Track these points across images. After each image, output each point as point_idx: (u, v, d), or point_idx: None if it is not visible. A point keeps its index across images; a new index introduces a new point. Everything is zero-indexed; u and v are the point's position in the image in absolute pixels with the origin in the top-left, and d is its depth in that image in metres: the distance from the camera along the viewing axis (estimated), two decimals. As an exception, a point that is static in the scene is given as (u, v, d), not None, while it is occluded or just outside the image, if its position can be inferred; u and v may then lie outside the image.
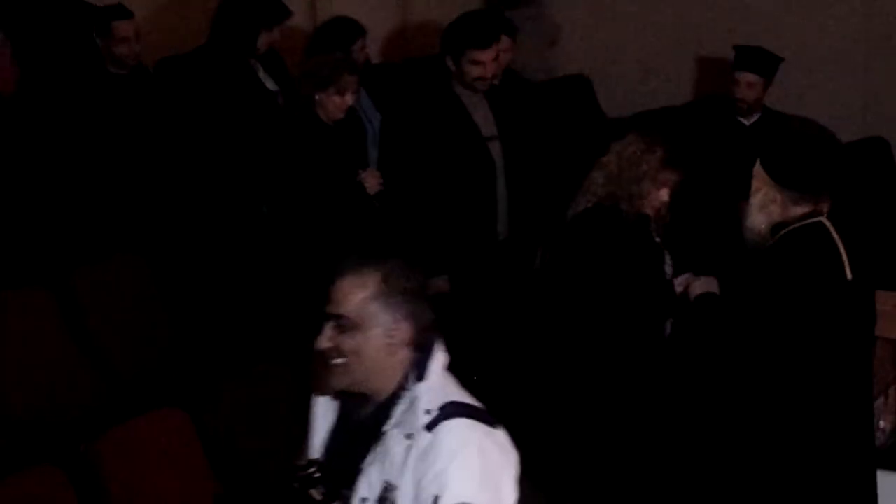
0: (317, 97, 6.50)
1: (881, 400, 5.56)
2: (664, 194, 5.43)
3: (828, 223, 4.74)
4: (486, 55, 6.35)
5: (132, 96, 7.24)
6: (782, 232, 4.74)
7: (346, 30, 7.25)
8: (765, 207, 4.76)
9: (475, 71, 6.37)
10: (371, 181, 6.59)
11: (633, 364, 5.38)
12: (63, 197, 7.14)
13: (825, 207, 4.80)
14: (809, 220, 4.73)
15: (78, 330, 6.44)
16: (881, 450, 5.32)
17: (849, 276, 4.73)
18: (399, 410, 3.63)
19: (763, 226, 4.76)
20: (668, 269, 5.54)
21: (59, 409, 5.97)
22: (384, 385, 3.67)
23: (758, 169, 4.80)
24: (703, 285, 5.06)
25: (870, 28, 8.41)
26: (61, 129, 7.27)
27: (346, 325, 3.64)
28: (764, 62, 7.27)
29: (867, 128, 8.29)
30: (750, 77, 7.24)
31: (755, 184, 4.80)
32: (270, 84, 7.26)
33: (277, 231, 6.67)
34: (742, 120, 7.34)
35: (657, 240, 5.53)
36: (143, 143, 7.16)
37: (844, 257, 4.73)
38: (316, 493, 3.74)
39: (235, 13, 7.17)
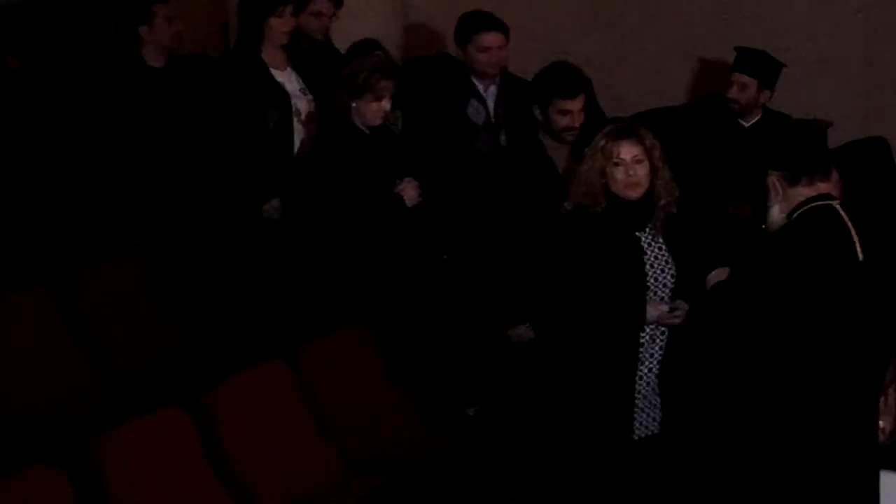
0: (353, 105, 6.42)
1: (881, 400, 5.54)
2: (619, 172, 5.38)
3: (837, 206, 4.81)
4: (573, 104, 6.27)
5: (167, 91, 7.24)
6: (794, 216, 4.80)
7: (364, 48, 7.23)
8: (774, 199, 4.87)
9: (563, 121, 6.27)
10: (410, 192, 6.52)
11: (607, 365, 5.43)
12: (64, 196, 7.15)
13: (833, 191, 4.90)
14: (818, 203, 4.79)
15: (78, 330, 6.44)
16: (881, 449, 5.30)
17: (860, 256, 4.77)
18: None
19: (778, 216, 4.88)
20: (668, 276, 5.50)
21: (59, 409, 5.98)
22: None
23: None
24: (718, 275, 5.10)
25: (870, 28, 8.40)
26: (72, 126, 7.31)
27: None
28: (761, 66, 7.29)
29: (867, 128, 8.28)
30: (744, 78, 7.28)
31: (768, 181, 4.90)
32: (293, 81, 7.17)
33: (306, 236, 6.60)
34: (741, 121, 7.36)
35: (653, 241, 5.49)
36: (147, 140, 7.16)
37: (855, 238, 4.77)
38: None
39: (242, 5, 7.16)
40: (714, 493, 5.09)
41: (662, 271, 5.48)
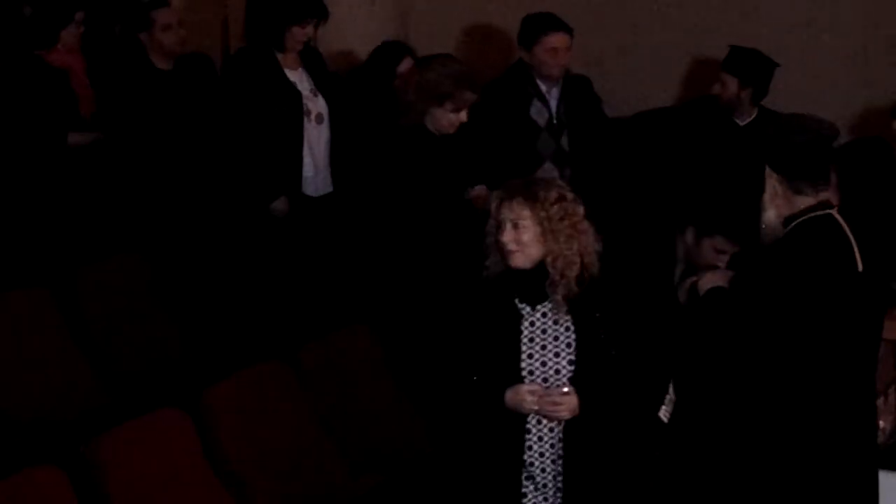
0: (431, 110, 6.34)
1: (881, 400, 5.56)
2: (499, 234, 4.72)
3: (838, 216, 4.79)
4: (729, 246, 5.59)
5: (176, 92, 7.26)
6: (793, 224, 4.78)
7: (391, 53, 7.24)
8: (772, 201, 4.82)
9: (711, 256, 5.59)
10: (481, 202, 6.36)
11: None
12: (65, 196, 7.16)
13: (833, 199, 4.87)
14: (819, 213, 4.77)
15: (78, 330, 6.44)
16: (880, 449, 5.32)
17: (860, 267, 4.77)
18: None
19: (774, 220, 4.82)
20: (563, 362, 4.72)
21: (59, 409, 5.98)
22: None
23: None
24: (711, 279, 5.07)
25: (870, 28, 8.41)
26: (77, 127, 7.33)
27: None
28: (743, 64, 7.32)
29: (867, 128, 8.29)
30: (725, 76, 7.34)
31: (766, 179, 4.86)
32: (304, 81, 7.17)
33: (362, 232, 6.55)
34: (736, 121, 7.38)
35: (557, 319, 4.72)
36: (154, 141, 7.18)
37: (856, 249, 4.77)
38: None
39: (263, 7, 7.14)
40: (712, 494, 5.08)
41: (556, 356, 4.73)
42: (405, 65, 7.16)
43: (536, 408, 4.69)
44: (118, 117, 7.19)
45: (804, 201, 4.77)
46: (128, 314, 6.63)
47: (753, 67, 7.34)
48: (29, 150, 7.19)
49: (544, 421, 4.74)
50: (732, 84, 7.34)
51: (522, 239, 4.70)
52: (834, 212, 4.80)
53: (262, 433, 5.66)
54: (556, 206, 4.71)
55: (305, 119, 7.09)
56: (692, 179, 6.87)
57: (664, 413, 4.96)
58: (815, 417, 4.76)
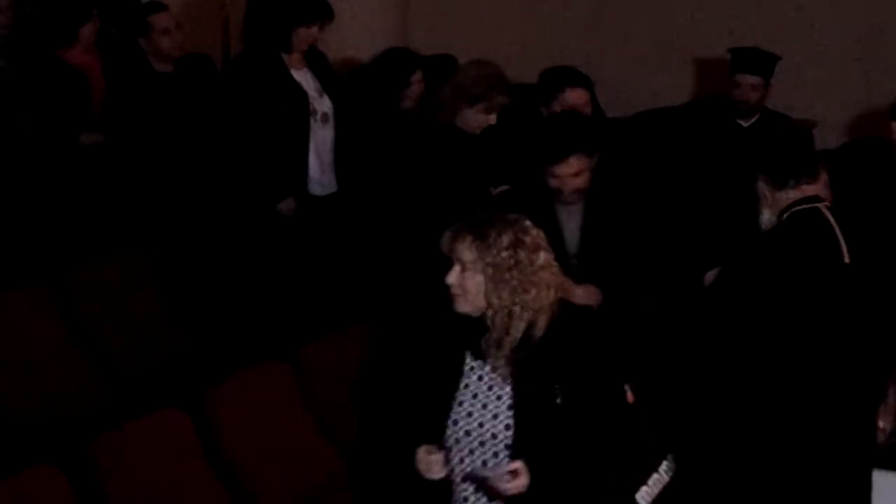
0: (462, 110, 6.37)
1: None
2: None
3: (825, 210, 4.85)
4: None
5: (178, 94, 7.27)
6: (781, 218, 4.87)
7: (404, 62, 7.19)
8: (764, 203, 4.94)
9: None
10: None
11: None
12: (64, 196, 7.16)
13: (821, 193, 4.94)
14: (804, 206, 4.86)
15: (78, 330, 6.44)
16: (880, 449, 5.32)
17: (846, 258, 4.80)
18: None
19: (769, 220, 4.96)
20: (501, 426, 4.16)
21: (59, 409, 5.98)
22: None
23: None
24: (713, 275, 5.14)
25: (870, 27, 8.42)
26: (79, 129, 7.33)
27: None
28: (762, 62, 7.30)
29: (867, 128, 8.30)
30: (752, 79, 7.27)
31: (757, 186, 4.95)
32: (309, 81, 7.17)
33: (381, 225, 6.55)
34: (740, 121, 7.37)
35: (504, 377, 4.17)
36: (157, 143, 7.18)
37: (842, 241, 4.80)
38: None
39: (268, 8, 7.12)
40: (707, 490, 5.09)
41: (495, 417, 4.17)
42: (417, 76, 7.13)
43: (440, 476, 4.16)
44: (121, 120, 7.19)
45: (789, 196, 4.87)
46: (128, 314, 6.63)
47: (770, 64, 7.32)
48: (40, 152, 7.20)
49: (470, 489, 4.22)
50: (761, 85, 7.29)
51: (466, 285, 4.16)
52: (821, 206, 4.86)
53: (262, 433, 5.66)
54: (506, 252, 4.13)
55: (311, 119, 7.09)
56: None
57: (644, 496, 4.22)
58: (804, 411, 4.78)
